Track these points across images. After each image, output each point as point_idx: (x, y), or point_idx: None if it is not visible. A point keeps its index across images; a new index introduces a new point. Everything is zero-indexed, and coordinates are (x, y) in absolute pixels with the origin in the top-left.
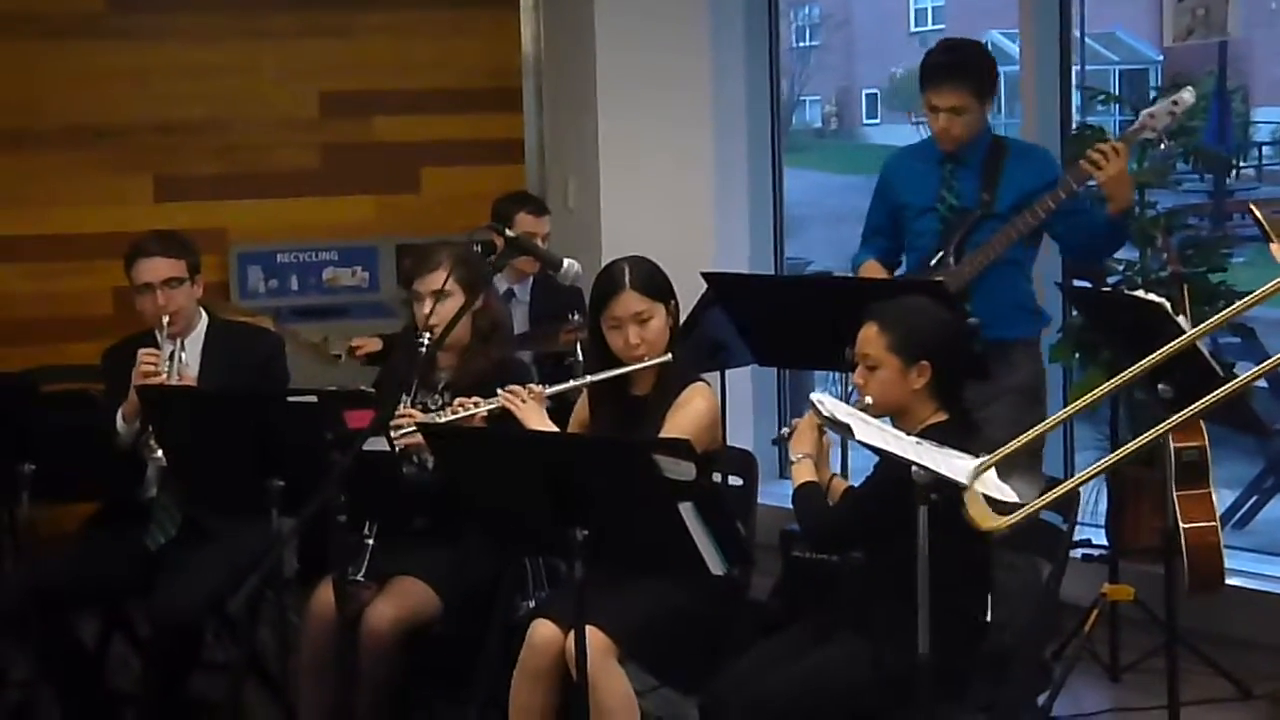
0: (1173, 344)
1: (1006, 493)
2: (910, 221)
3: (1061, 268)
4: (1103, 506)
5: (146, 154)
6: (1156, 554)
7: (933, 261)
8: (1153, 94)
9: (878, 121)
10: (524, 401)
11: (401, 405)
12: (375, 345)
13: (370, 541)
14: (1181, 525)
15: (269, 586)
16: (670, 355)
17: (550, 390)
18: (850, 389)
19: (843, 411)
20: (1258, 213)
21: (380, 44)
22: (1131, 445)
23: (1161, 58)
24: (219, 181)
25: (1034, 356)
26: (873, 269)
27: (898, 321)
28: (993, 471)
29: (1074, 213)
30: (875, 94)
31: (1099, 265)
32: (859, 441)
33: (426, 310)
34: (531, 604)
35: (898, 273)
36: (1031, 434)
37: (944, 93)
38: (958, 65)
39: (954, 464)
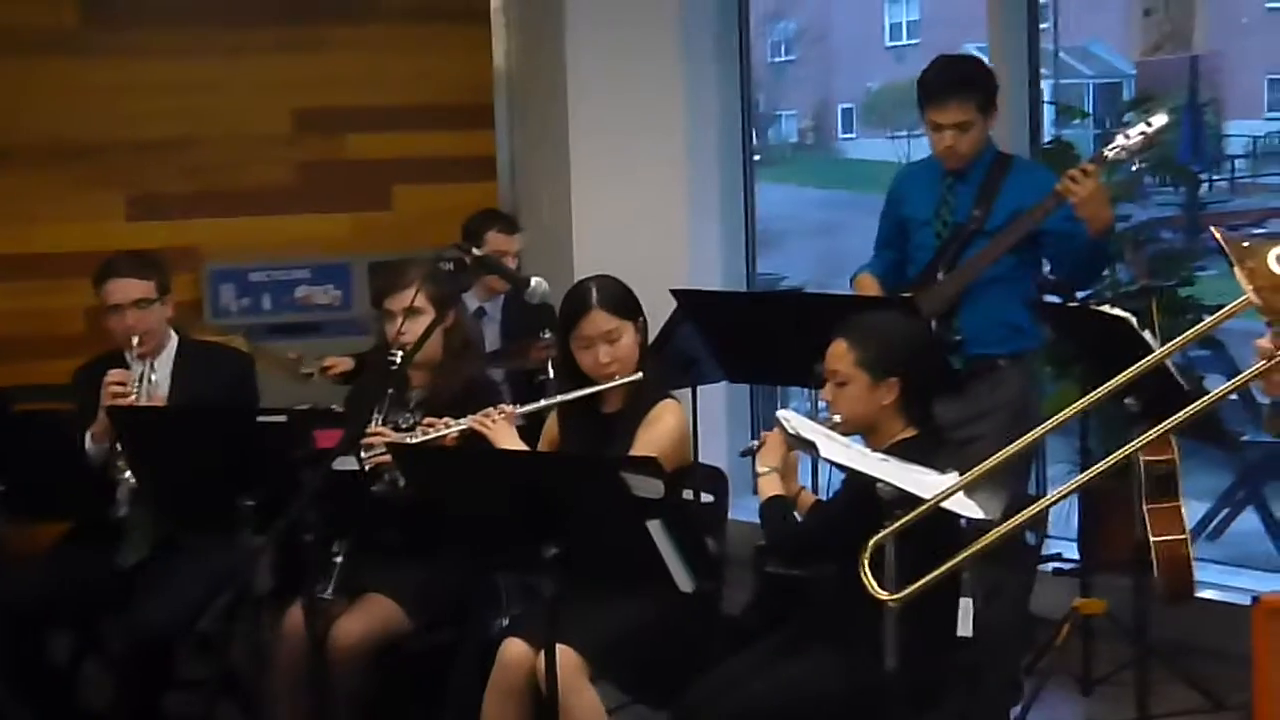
0: (1139, 365)
1: (973, 510)
2: (913, 235)
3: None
4: (1074, 520)
5: (119, 171)
6: (1128, 567)
7: (924, 276)
8: (1125, 111)
9: (854, 136)
10: (494, 422)
11: (372, 424)
12: (348, 364)
13: (339, 559)
14: (1152, 538)
15: (242, 604)
16: (640, 374)
17: (522, 410)
18: (820, 405)
19: (808, 428)
20: (1219, 236)
21: (353, 60)
22: (1101, 465)
23: (1135, 72)
24: (192, 199)
25: (1022, 374)
26: (866, 284)
27: (866, 337)
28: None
29: (1062, 234)
30: (851, 109)
31: (1088, 285)
32: (824, 459)
33: (397, 327)
34: (504, 621)
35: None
36: (1005, 454)
37: (948, 109)
38: (961, 80)
39: (919, 480)
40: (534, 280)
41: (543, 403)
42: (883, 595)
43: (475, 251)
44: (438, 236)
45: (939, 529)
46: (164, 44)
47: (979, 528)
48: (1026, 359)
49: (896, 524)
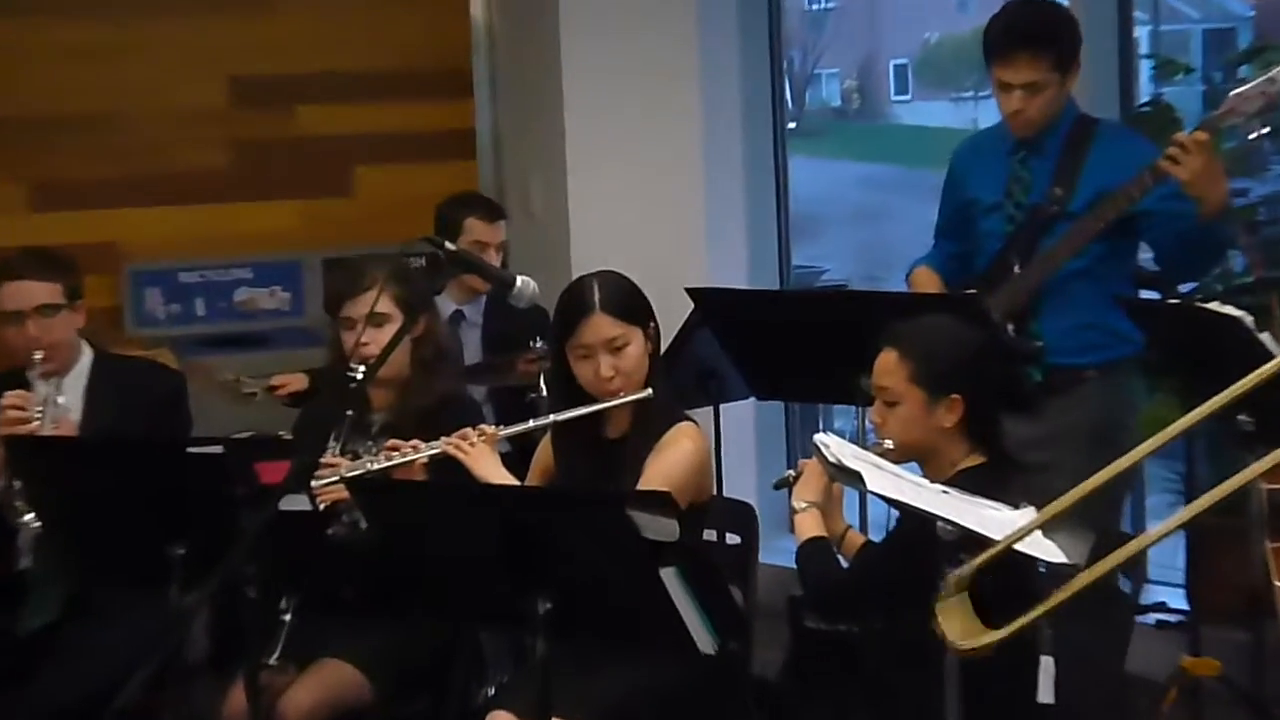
0: (1256, 374)
1: (1052, 552)
2: (978, 220)
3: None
4: (1180, 562)
5: (20, 154)
6: (1245, 618)
7: (995, 270)
8: (1239, 64)
9: (908, 99)
10: (473, 445)
11: (327, 453)
12: (299, 383)
13: (287, 618)
14: (1275, 583)
15: (171, 675)
16: (650, 390)
17: (506, 432)
18: (868, 427)
19: (852, 456)
20: None
21: (302, 20)
22: (1211, 496)
23: (1252, 14)
24: (109, 187)
25: (1113, 387)
26: (925, 279)
27: (921, 346)
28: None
29: (1165, 216)
30: (905, 65)
31: (1197, 278)
32: (872, 493)
33: (357, 337)
34: (489, 690)
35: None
36: (1095, 481)
37: (1018, 66)
38: (1035, 31)
39: (988, 517)
40: (520, 279)
41: (532, 424)
42: (964, 644)
43: (450, 245)
44: (406, 228)
45: (1012, 576)
46: (75, 2)
47: (1060, 573)
48: (1118, 369)
49: (966, 567)
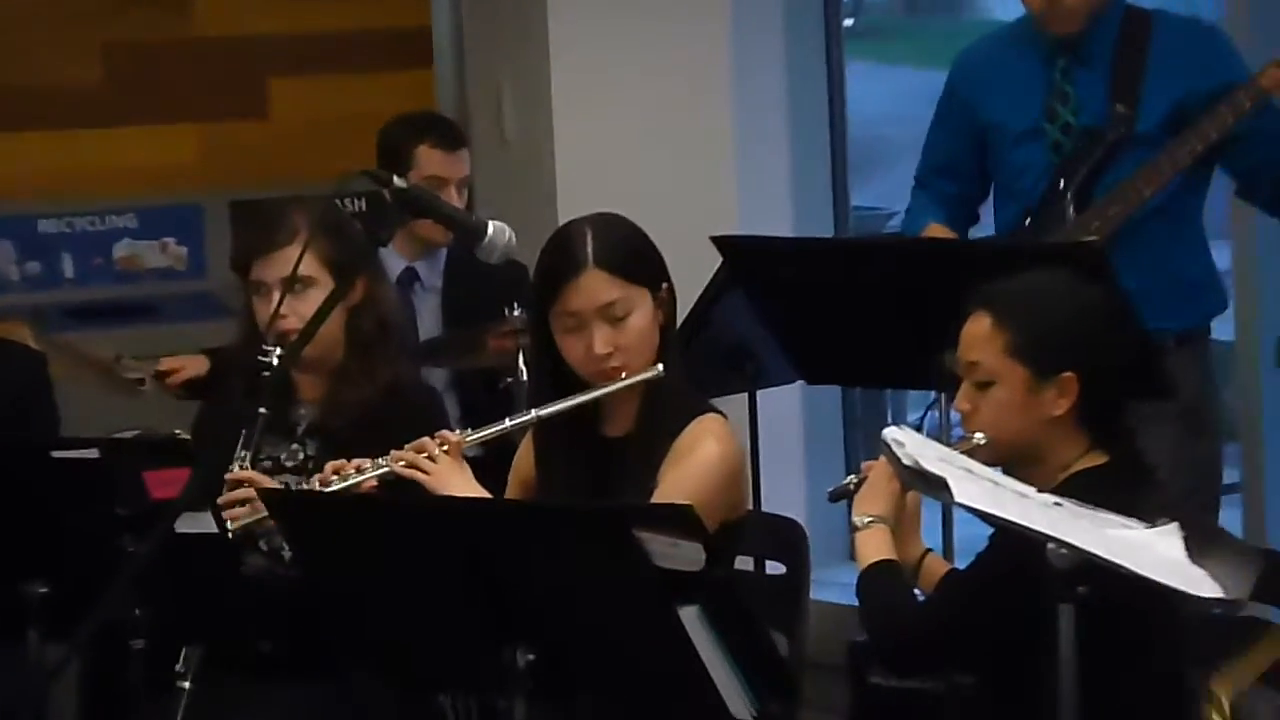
0: None
1: (1208, 585)
2: (1004, 152)
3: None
4: None
5: None
6: None
7: (1042, 214)
8: None
9: None
10: (433, 461)
11: (236, 462)
12: (197, 366)
13: (186, 682)
14: None
15: None
16: (660, 367)
17: (475, 437)
18: (953, 418)
19: (933, 457)
20: None
21: None
22: None
23: None
24: None
25: (1196, 358)
26: (937, 234)
27: (1023, 310)
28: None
29: (1260, 137)
30: None
31: None
32: (959, 505)
33: (274, 306)
34: None
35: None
36: None
37: None
38: None
39: (1114, 537)
40: (493, 226)
41: (509, 423)
42: None
43: (399, 182)
44: (338, 158)
45: (1147, 612)
46: None
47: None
48: (1201, 334)
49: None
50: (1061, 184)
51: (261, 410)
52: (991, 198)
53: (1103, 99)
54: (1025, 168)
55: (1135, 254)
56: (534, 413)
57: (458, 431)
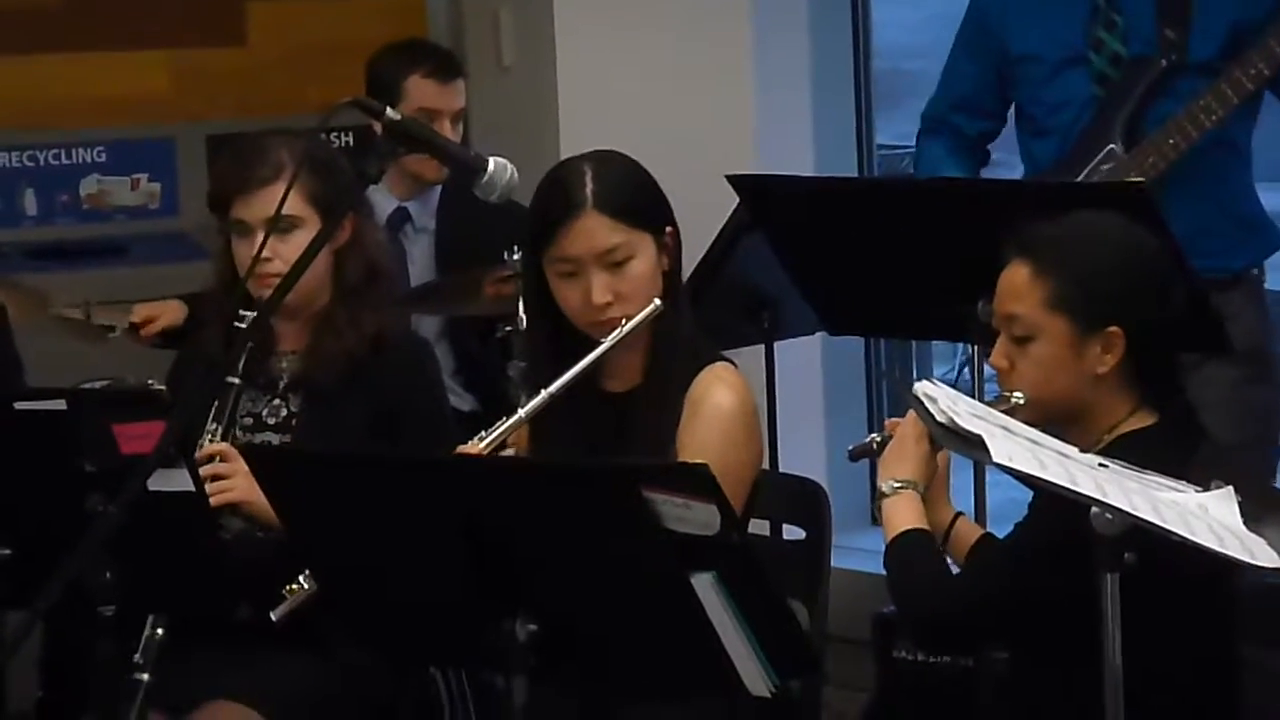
0: None
1: (1270, 555)
2: (1038, 85)
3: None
4: None
5: None
6: None
7: (1081, 149)
8: None
9: None
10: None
11: (206, 435)
12: (173, 314)
13: (145, 676)
14: None
15: None
16: (658, 302)
17: (490, 438)
18: (988, 374)
19: (968, 413)
20: None
21: None
22: None
23: None
24: None
25: (1254, 298)
26: None
27: (1066, 258)
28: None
29: None
30: None
31: None
32: (997, 465)
33: (256, 249)
34: None
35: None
36: None
37: None
38: None
39: (1165, 501)
40: (495, 162)
41: (521, 414)
42: None
43: (391, 113)
44: (322, 89)
45: (1199, 584)
46: None
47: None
48: (1259, 276)
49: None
50: (1108, 118)
51: (235, 380)
52: (1017, 134)
53: (1152, 26)
54: (1065, 102)
55: (1192, 188)
56: (545, 393)
57: (475, 440)
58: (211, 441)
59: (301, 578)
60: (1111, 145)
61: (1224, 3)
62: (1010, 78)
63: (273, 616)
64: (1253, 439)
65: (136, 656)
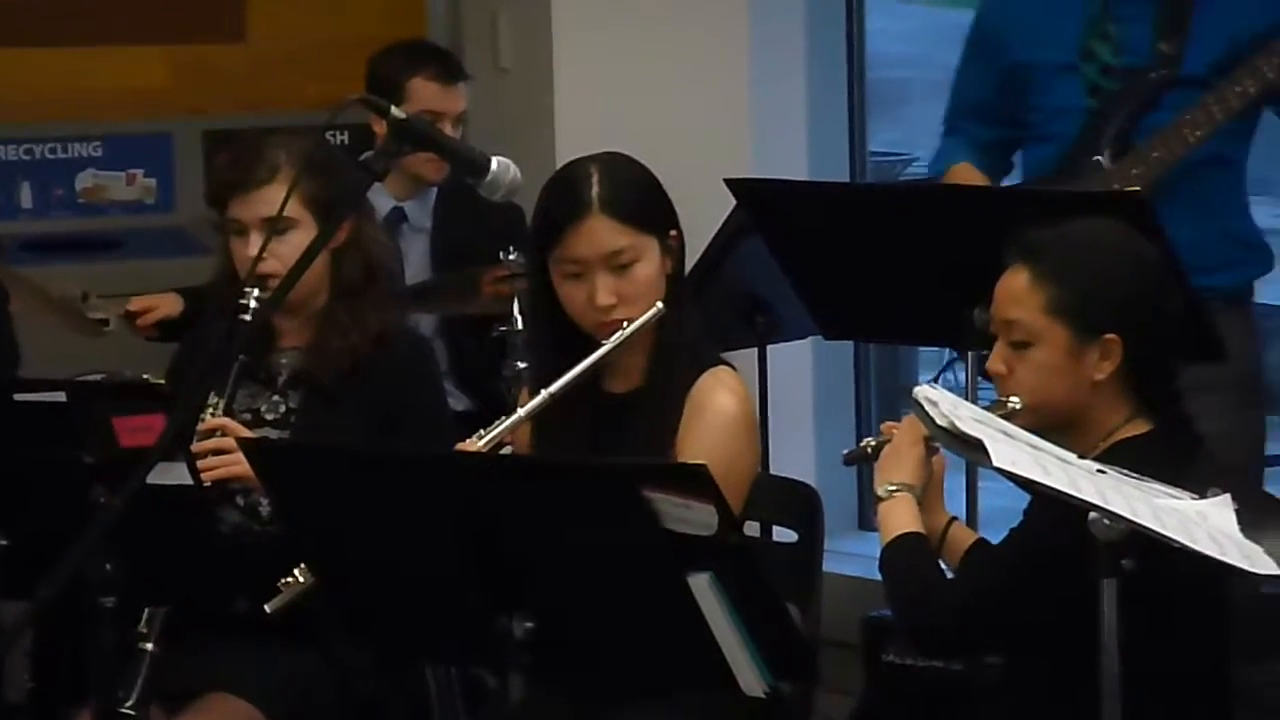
0: None
1: (1266, 562)
2: (1038, 92)
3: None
4: None
5: None
6: None
7: (1074, 159)
8: None
9: None
10: None
11: (209, 409)
12: (169, 306)
13: (150, 646)
14: None
15: None
16: (661, 305)
17: (489, 437)
18: (980, 381)
19: (968, 417)
20: None
21: None
22: None
23: None
24: None
25: (1246, 320)
26: (966, 176)
27: (1065, 265)
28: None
29: None
30: None
31: None
32: (997, 469)
33: (254, 249)
34: None
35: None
36: None
37: None
38: None
39: (1162, 507)
40: (498, 162)
41: (521, 414)
42: None
43: (397, 111)
44: (321, 88)
45: (1196, 590)
46: None
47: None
48: (1249, 297)
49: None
50: (1098, 128)
51: (241, 357)
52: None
53: (1147, 37)
54: (1062, 110)
55: (1181, 205)
56: (545, 393)
57: (474, 438)
58: (213, 416)
59: (297, 570)
60: (1098, 156)
61: (1223, 16)
62: (1013, 84)
63: (267, 609)
64: (1242, 469)
65: (141, 626)
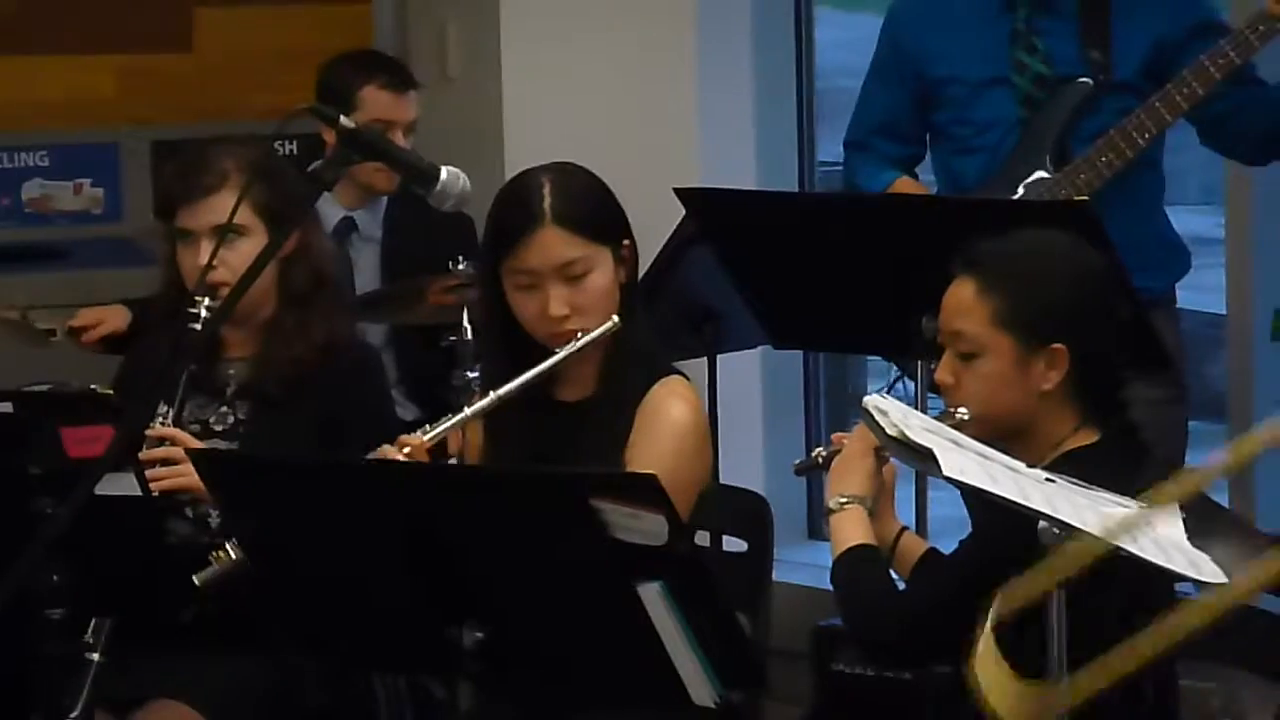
0: None
1: (1209, 569)
2: (961, 105)
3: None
4: None
5: None
6: None
7: (1009, 170)
8: None
9: None
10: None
11: (158, 418)
12: (116, 319)
13: (96, 656)
14: None
15: None
16: (616, 319)
17: (434, 434)
18: (927, 391)
19: (918, 427)
20: None
21: None
22: None
23: None
24: None
25: (1172, 321)
26: (908, 189)
27: (1011, 275)
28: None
29: (1242, 83)
30: None
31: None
32: (947, 479)
33: (204, 258)
34: None
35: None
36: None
37: None
38: None
39: (1109, 515)
40: (447, 171)
41: (467, 412)
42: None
43: (347, 121)
44: (270, 96)
45: (1143, 598)
46: None
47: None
48: (1173, 299)
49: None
50: (1037, 137)
51: (190, 368)
52: (932, 154)
53: (1074, 47)
54: (992, 122)
55: (1118, 208)
56: (494, 395)
57: (419, 433)
58: (162, 424)
59: (229, 544)
60: (1039, 167)
61: (1143, 22)
62: (931, 100)
63: (195, 580)
64: (1176, 463)
65: (87, 637)
